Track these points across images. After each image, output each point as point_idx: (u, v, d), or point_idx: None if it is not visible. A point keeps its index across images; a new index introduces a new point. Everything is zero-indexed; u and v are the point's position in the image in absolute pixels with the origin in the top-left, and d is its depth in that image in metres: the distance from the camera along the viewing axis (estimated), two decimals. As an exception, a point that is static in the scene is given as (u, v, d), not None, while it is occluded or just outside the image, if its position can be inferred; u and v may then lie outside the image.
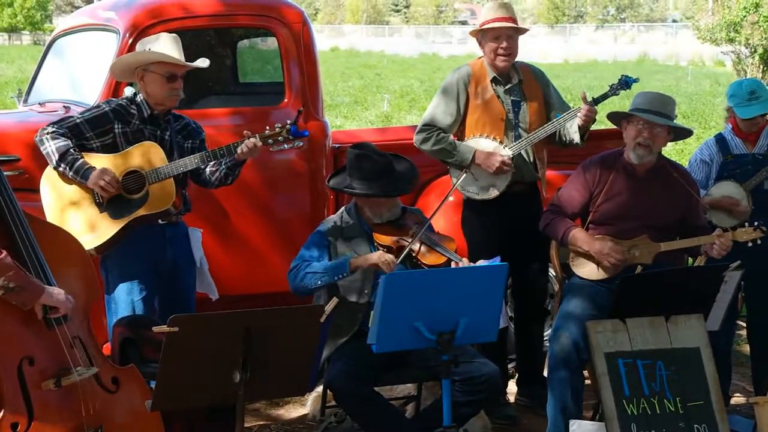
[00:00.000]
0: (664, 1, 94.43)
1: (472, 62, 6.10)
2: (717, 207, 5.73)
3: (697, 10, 48.45)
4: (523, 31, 5.98)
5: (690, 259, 5.77)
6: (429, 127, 5.94)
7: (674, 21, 70.99)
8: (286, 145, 5.29)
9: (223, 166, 5.29)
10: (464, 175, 5.56)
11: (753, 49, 31.31)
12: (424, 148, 5.95)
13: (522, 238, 5.86)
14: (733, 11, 33.12)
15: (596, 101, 5.75)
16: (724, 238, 5.20)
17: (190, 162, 5.16)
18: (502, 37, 5.84)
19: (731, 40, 32.36)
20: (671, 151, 12.53)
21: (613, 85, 5.94)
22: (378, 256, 5.02)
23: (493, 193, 5.87)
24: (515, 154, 5.81)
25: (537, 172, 5.97)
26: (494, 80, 5.92)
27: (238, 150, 5.13)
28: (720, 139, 5.98)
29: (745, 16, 31.47)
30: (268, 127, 5.23)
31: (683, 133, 5.55)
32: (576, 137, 5.82)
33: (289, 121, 5.26)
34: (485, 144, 5.83)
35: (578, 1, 77.84)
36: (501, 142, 5.84)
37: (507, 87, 5.93)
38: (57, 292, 3.96)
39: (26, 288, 3.82)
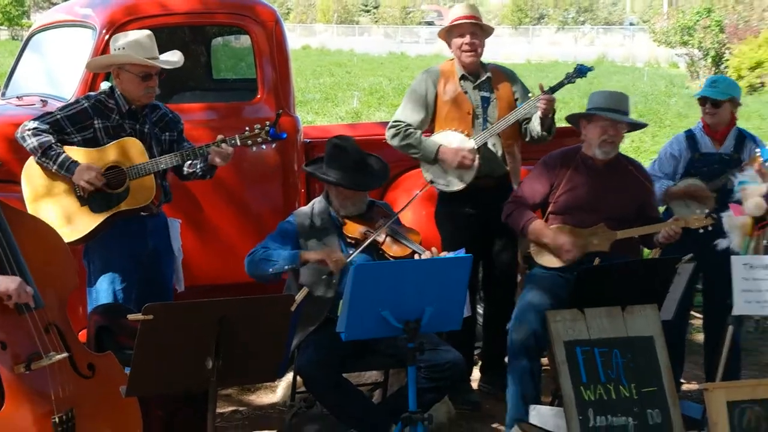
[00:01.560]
0: (622, 5, 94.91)
1: (443, 63, 6.14)
2: (682, 196, 5.75)
3: (652, 14, 48.65)
4: (488, 29, 6.02)
5: (645, 251, 5.80)
6: (398, 123, 5.98)
7: (631, 24, 71.26)
8: (264, 146, 5.28)
9: (199, 169, 5.28)
10: (426, 187, 5.58)
11: (705, 52, 31.58)
12: (393, 143, 5.99)
13: (493, 231, 5.88)
14: (686, 16, 33.45)
15: (553, 89, 5.81)
16: (674, 225, 5.27)
17: (170, 160, 5.16)
18: (467, 33, 5.88)
19: (685, 43, 32.66)
20: (627, 148, 12.57)
21: (569, 73, 5.99)
22: (327, 253, 5.03)
23: (461, 184, 5.89)
24: (479, 146, 5.83)
25: (507, 165, 5.97)
26: (463, 77, 5.96)
27: (209, 158, 5.15)
28: (690, 135, 6.00)
29: (697, 21, 31.77)
30: (247, 128, 5.24)
31: (638, 126, 5.67)
32: (538, 128, 5.85)
33: (268, 123, 5.26)
34: (452, 137, 5.87)
35: (540, 4, 77.91)
36: (468, 135, 5.86)
37: (476, 83, 5.95)
38: (7, 281, 3.91)
39: None
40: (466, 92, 5.94)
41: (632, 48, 49.51)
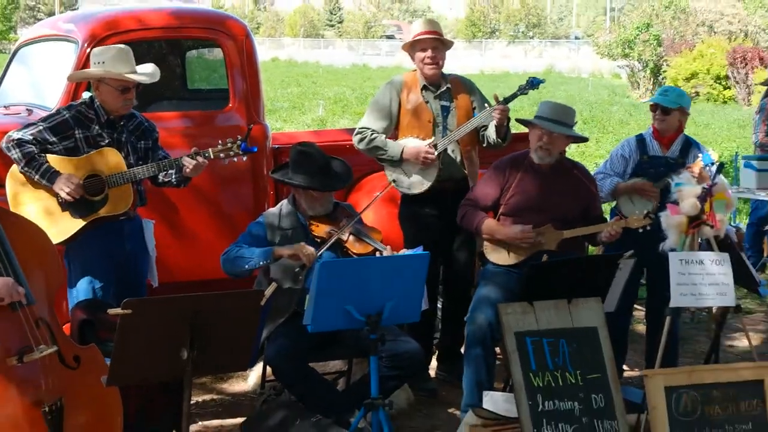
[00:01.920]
0: (568, 21, 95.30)
1: (406, 74, 6.15)
2: (629, 192, 5.82)
3: (596, 29, 49.02)
4: (448, 43, 6.04)
5: (590, 248, 5.85)
6: (364, 129, 5.98)
7: (576, 38, 71.57)
8: (235, 159, 5.30)
9: (174, 178, 5.30)
10: (386, 189, 5.59)
11: (645, 64, 31.83)
12: (360, 147, 5.99)
13: (452, 230, 5.89)
14: (627, 30, 33.71)
15: (507, 100, 5.82)
16: (616, 225, 5.35)
17: (147, 170, 5.17)
18: (429, 47, 5.90)
19: (626, 56, 32.90)
20: (573, 152, 12.65)
21: (521, 86, 6.02)
22: (299, 248, 5.03)
23: (422, 188, 5.90)
24: (440, 152, 5.85)
25: (465, 169, 5.99)
26: (425, 88, 5.97)
27: (184, 169, 5.17)
28: (640, 139, 6.07)
29: (637, 35, 32.01)
30: (220, 142, 5.27)
31: (580, 139, 5.71)
32: (494, 135, 5.87)
33: (239, 138, 5.30)
34: (414, 142, 5.88)
35: (492, 20, 78.04)
36: (430, 143, 5.88)
37: (437, 93, 5.97)
38: (2, 283, 3.92)
39: None
40: (427, 102, 5.95)
41: (577, 60, 49.82)
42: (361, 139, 5.97)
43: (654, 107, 6.00)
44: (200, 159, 5.17)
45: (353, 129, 6.20)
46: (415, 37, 5.94)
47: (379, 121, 5.98)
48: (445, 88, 6.00)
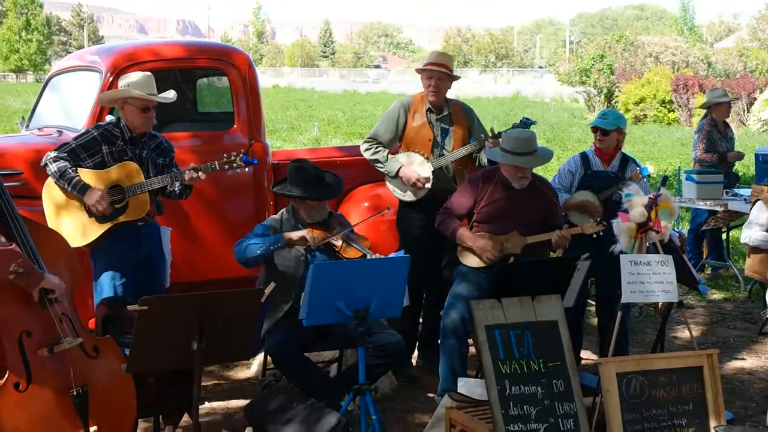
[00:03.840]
0: (532, 52, 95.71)
1: (415, 95, 6.14)
2: (576, 208, 5.82)
3: (557, 59, 49.10)
4: (454, 77, 6.03)
5: (551, 252, 5.84)
6: (372, 140, 6.02)
7: (540, 67, 71.90)
8: (238, 170, 5.30)
9: (177, 188, 5.29)
10: (380, 213, 5.61)
11: (599, 90, 31.95)
12: (366, 156, 6.03)
13: (440, 236, 5.87)
14: (584, 60, 33.84)
15: (501, 134, 5.76)
16: (567, 232, 5.40)
17: (161, 180, 5.18)
18: (434, 77, 5.92)
19: (583, 83, 33.02)
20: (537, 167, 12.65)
21: (515, 123, 6.05)
22: (306, 232, 5.06)
23: (414, 198, 5.95)
24: (435, 169, 5.88)
25: (456, 184, 5.94)
26: (429, 110, 5.98)
27: (185, 177, 5.17)
28: (584, 156, 6.09)
29: (593, 65, 32.14)
30: (225, 155, 5.26)
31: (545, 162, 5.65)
32: (485, 160, 5.92)
33: (242, 151, 5.29)
34: (414, 157, 5.91)
35: (466, 51, 78.17)
36: (427, 158, 5.91)
37: (439, 116, 5.98)
38: (53, 278, 3.93)
39: (31, 273, 3.80)
40: (430, 122, 5.96)
41: (541, 87, 49.97)
42: (368, 149, 6.00)
43: (594, 129, 6.06)
44: (196, 174, 5.16)
45: (345, 146, 6.21)
46: (426, 65, 5.97)
47: (387, 133, 6.00)
48: (446, 112, 6.01)
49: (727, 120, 9.30)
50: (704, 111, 9.32)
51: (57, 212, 5.14)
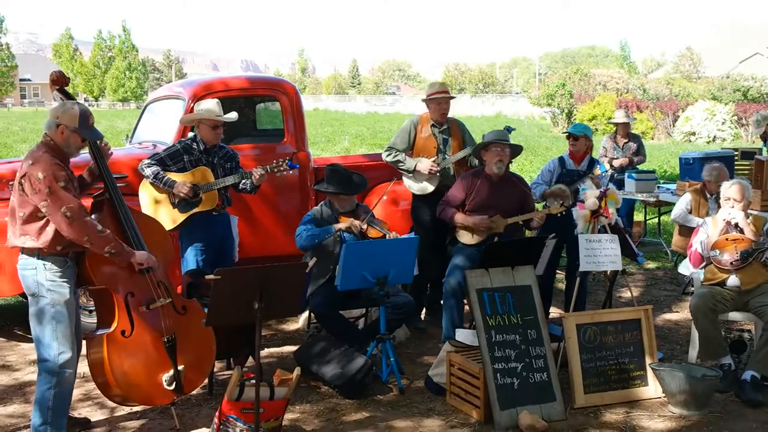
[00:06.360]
0: (510, 81, 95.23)
1: (422, 114, 6.09)
2: (551, 195, 5.80)
3: (529, 87, 48.76)
4: (452, 97, 6.00)
5: (527, 232, 5.80)
6: (391, 149, 6.00)
7: (516, 93, 71.44)
8: (285, 173, 5.28)
9: (249, 186, 5.26)
10: (385, 191, 5.52)
11: (562, 110, 31.66)
12: (388, 159, 5.98)
13: (442, 222, 5.82)
14: (550, 87, 33.53)
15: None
16: (541, 213, 5.36)
17: (228, 180, 5.17)
18: (442, 102, 5.89)
19: (549, 105, 32.73)
20: (514, 168, 12.57)
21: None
22: (351, 221, 5.04)
23: (428, 190, 5.89)
24: (440, 169, 5.85)
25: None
26: (433, 125, 5.95)
27: (252, 178, 5.16)
28: (561, 159, 6.06)
29: (557, 91, 31.85)
30: (274, 161, 5.25)
31: (517, 150, 5.58)
32: (476, 162, 5.85)
33: (288, 158, 5.31)
34: (424, 160, 5.86)
35: (460, 81, 77.68)
36: (434, 161, 5.87)
37: (441, 129, 5.95)
38: (140, 254, 3.96)
39: (121, 253, 3.85)
40: (434, 134, 5.93)
41: (517, 108, 49.59)
42: (389, 154, 5.97)
43: (568, 135, 6.02)
44: (260, 171, 5.15)
45: (368, 154, 6.18)
46: (432, 95, 5.92)
47: (402, 143, 5.97)
48: (446, 126, 5.97)
49: (631, 133, 9.00)
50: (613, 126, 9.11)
51: (151, 204, 5.16)
